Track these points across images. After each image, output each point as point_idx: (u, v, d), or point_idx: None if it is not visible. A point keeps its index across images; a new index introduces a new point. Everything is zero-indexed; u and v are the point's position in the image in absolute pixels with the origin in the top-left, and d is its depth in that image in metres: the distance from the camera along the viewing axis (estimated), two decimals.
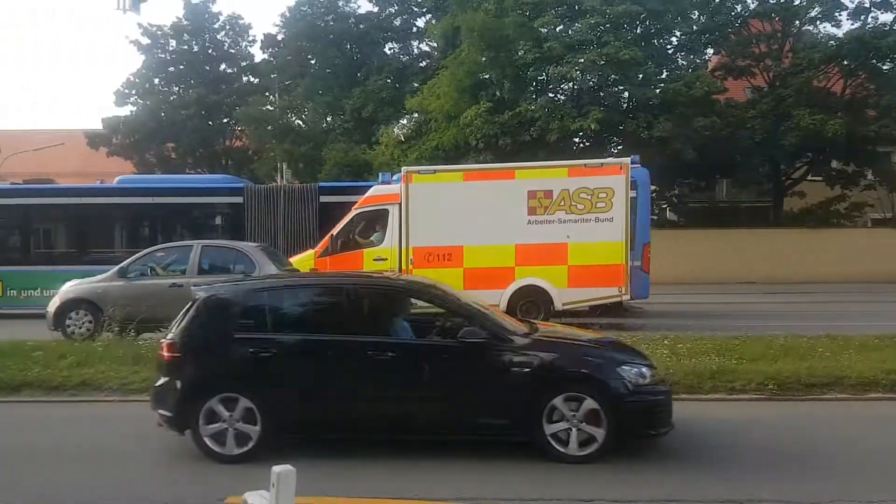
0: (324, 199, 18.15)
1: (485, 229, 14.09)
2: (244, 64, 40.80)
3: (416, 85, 32.20)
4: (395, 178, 15.50)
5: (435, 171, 15.33)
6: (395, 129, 31.76)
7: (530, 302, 14.38)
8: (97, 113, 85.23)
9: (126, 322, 11.25)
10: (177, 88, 39.53)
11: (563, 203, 14.07)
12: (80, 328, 12.40)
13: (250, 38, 40.83)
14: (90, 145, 37.94)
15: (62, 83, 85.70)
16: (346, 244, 14.81)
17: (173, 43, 38.97)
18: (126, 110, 38.62)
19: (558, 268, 14.16)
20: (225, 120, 39.37)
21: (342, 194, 17.41)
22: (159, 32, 38.31)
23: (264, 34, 40.23)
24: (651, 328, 13.09)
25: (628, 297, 14.65)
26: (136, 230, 19.36)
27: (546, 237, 14.01)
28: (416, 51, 37.93)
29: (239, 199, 18.41)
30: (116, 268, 12.84)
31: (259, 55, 40.69)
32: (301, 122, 37.90)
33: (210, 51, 39.62)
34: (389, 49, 37.69)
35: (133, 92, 38.88)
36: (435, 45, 33.91)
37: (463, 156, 26.30)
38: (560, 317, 14.04)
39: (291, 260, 14.73)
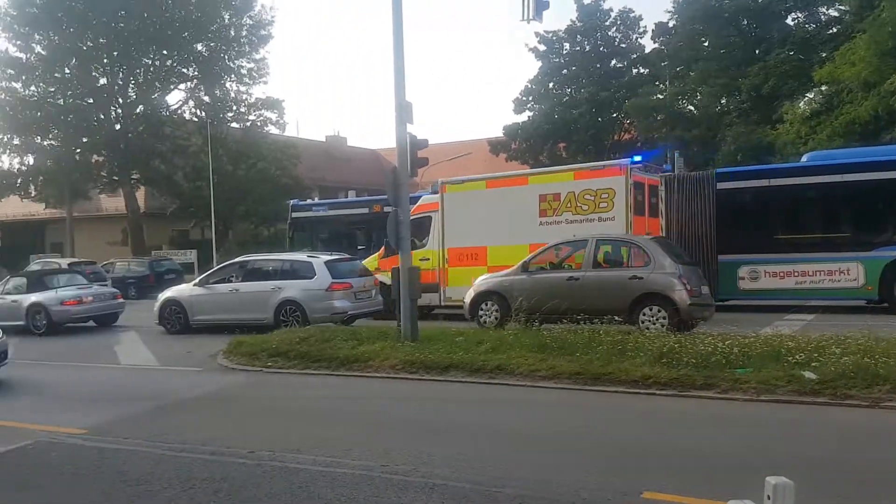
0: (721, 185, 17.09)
1: (504, 231, 15.69)
2: (634, 56, 40.98)
3: (824, 55, 28.87)
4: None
5: (463, 182, 17.50)
6: (801, 105, 28.78)
7: None
8: (499, 122, 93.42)
9: (531, 313, 11.98)
10: (569, 90, 41.36)
11: (569, 204, 15.37)
12: (490, 317, 13.56)
13: (641, 30, 40.91)
14: (492, 152, 41.74)
15: (473, 97, 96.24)
16: None
17: (566, 46, 40.86)
18: (524, 116, 41.62)
19: None
20: (614, 114, 39.97)
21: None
22: (554, 38, 40.49)
23: (655, 24, 39.95)
24: None
25: None
26: None
27: (555, 237, 14.49)
28: (823, 18, 34.10)
29: None
30: (520, 262, 13.78)
31: (649, 46, 40.51)
32: (692, 108, 36.80)
33: (601, 48, 40.64)
34: (792, 19, 34.55)
35: (530, 98, 41.73)
36: (846, 8, 30.00)
37: (885, 128, 22.73)
38: None
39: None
